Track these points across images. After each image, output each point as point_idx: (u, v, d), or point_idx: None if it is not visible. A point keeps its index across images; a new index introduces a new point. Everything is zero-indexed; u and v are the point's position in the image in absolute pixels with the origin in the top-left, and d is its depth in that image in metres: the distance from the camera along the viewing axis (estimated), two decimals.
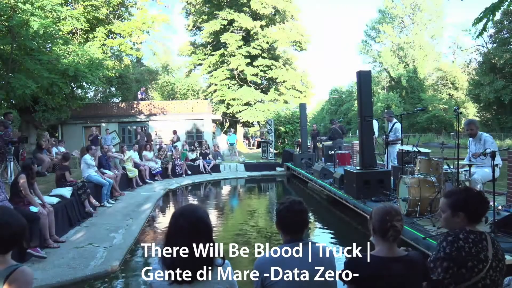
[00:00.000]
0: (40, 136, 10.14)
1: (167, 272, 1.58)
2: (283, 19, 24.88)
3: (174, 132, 16.66)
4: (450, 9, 78.51)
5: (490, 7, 5.02)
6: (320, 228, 6.89)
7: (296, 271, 1.76)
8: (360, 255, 1.77)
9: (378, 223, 1.76)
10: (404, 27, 53.79)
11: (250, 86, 24.50)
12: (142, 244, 5.89)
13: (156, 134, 18.21)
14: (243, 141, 29.00)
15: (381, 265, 1.69)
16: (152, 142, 15.58)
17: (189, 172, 13.77)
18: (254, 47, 23.16)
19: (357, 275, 1.69)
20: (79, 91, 15.94)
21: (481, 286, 1.75)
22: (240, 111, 23.85)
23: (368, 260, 1.72)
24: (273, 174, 14.81)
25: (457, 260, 1.73)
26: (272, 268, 1.76)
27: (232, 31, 23.22)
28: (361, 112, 7.09)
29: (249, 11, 23.28)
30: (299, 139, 15.10)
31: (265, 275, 1.77)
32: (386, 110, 11.71)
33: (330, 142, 11.92)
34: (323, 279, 1.79)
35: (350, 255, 1.82)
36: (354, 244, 1.98)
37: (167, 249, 1.63)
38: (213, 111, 23.30)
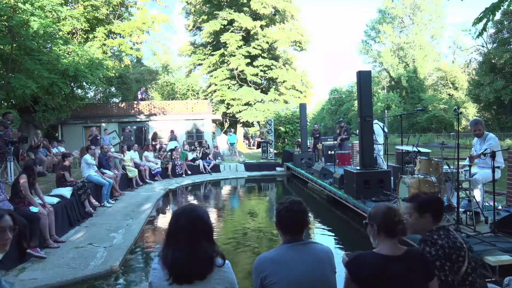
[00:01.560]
0: (36, 135, 10.10)
1: (167, 272, 1.58)
2: (283, 19, 24.88)
3: (171, 131, 16.66)
4: (450, 9, 78.58)
5: (490, 7, 5.01)
6: (320, 228, 6.89)
7: (295, 271, 1.76)
8: (362, 253, 1.78)
9: (384, 221, 1.78)
10: (404, 27, 53.83)
11: (250, 86, 24.51)
12: (142, 244, 5.90)
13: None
14: (243, 141, 29.00)
15: (383, 263, 1.70)
16: (154, 143, 15.57)
17: (189, 172, 13.77)
18: (254, 47, 23.15)
19: (358, 272, 1.70)
20: (79, 91, 15.92)
21: (470, 271, 1.94)
22: (240, 111, 23.85)
23: (371, 258, 1.73)
24: (273, 174, 14.81)
25: (444, 256, 1.89)
26: (272, 268, 1.76)
27: (232, 31, 23.22)
28: (361, 112, 7.09)
29: (249, 11, 23.28)
30: (299, 139, 15.10)
31: (264, 274, 1.76)
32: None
33: (332, 142, 11.95)
34: (322, 279, 1.79)
35: (352, 253, 1.83)
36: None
37: (167, 249, 1.63)
38: (213, 111, 23.29)
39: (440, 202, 2.13)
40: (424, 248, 1.95)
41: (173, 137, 16.08)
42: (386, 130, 8.79)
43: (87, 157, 8.15)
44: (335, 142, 11.85)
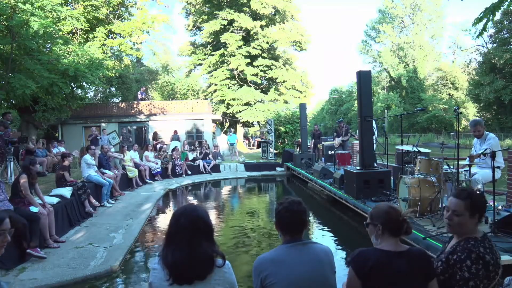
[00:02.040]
0: (31, 140, 10.00)
1: (167, 272, 1.58)
2: (283, 19, 24.89)
3: (175, 132, 16.70)
4: (450, 9, 78.60)
5: (490, 7, 5.02)
6: (320, 228, 6.89)
7: (295, 271, 1.76)
8: (364, 248, 1.80)
9: (389, 221, 1.79)
10: (404, 27, 53.82)
11: (250, 86, 24.51)
12: (142, 244, 5.90)
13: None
14: (243, 141, 29.00)
15: (385, 257, 1.72)
16: (156, 142, 15.56)
17: (189, 172, 13.77)
18: (254, 47, 23.16)
19: (362, 266, 1.71)
20: (79, 91, 15.93)
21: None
22: (240, 111, 23.85)
23: (373, 252, 1.76)
24: (273, 174, 14.80)
25: (483, 276, 1.72)
26: (272, 268, 1.76)
27: (232, 31, 23.23)
28: (361, 112, 7.09)
29: (249, 11, 23.29)
30: (299, 139, 15.10)
31: (264, 275, 1.76)
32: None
33: (331, 142, 11.94)
34: (322, 279, 1.80)
35: (356, 249, 1.83)
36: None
37: (167, 249, 1.63)
38: (213, 111, 23.30)
39: (485, 202, 1.95)
40: (465, 260, 1.74)
41: (175, 137, 16.10)
42: (375, 128, 8.73)
43: (87, 157, 8.15)
44: (334, 142, 11.79)
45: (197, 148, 15.85)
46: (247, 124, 27.38)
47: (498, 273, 1.77)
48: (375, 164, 7.88)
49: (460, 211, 1.83)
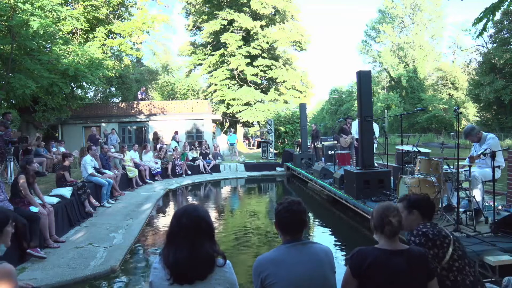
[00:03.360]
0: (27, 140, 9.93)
1: (168, 272, 1.58)
2: (283, 19, 24.89)
3: (176, 132, 16.70)
4: (450, 9, 78.55)
5: (490, 7, 5.02)
6: (320, 228, 6.89)
7: (295, 271, 1.76)
8: (364, 247, 1.84)
9: (376, 219, 1.86)
10: (404, 27, 53.84)
11: (250, 86, 24.50)
12: (142, 244, 5.90)
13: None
14: (243, 141, 29.00)
15: (384, 255, 1.74)
16: (159, 141, 15.55)
17: (189, 172, 13.77)
18: (254, 47, 23.16)
19: (361, 264, 1.73)
20: (79, 91, 15.95)
21: (457, 258, 2.05)
22: (240, 111, 23.85)
23: (372, 250, 1.79)
24: (273, 174, 14.81)
25: (427, 243, 2.05)
26: (272, 268, 1.77)
27: (232, 31, 23.23)
28: (361, 112, 7.09)
29: (249, 11, 23.28)
30: (299, 139, 15.10)
31: (264, 275, 1.76)
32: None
33: (331, 142, 11.92)
34: (322, 279, 1.80)
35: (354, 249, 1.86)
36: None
37: (168, 249, 1.64)
38: (213, 111, 23.31)
39: (428, 201, 2.28)
40: (409, 238, 2.12)
41: (174, 137, 16.11)
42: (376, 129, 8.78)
43: (87, 158, 8.14)
44: (342, 140, 11.49)
45: (197, 148, 15.85)
46: (247, 124, 27.37)
47: (446, 242, 2.06)
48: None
49: (402, 211, 2.18)
